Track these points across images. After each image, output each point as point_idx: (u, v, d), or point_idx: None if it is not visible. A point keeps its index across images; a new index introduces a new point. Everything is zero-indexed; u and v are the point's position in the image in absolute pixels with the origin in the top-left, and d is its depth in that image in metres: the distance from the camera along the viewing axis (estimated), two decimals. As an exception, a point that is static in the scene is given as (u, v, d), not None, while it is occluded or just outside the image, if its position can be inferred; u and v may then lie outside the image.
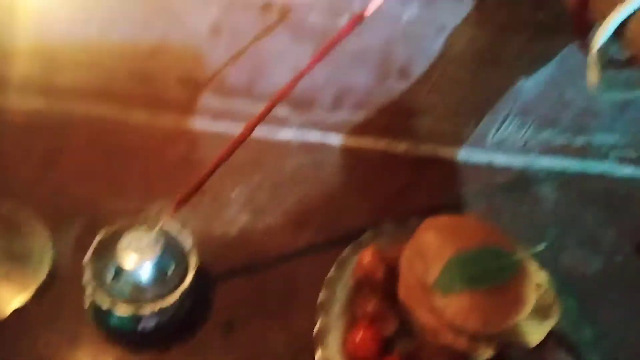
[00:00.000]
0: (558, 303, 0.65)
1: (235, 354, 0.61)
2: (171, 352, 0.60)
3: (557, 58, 0.73)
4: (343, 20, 0.68)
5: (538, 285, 0.66)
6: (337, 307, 0.65)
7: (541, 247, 0.65)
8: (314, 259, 0.69)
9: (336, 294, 0.66)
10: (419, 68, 0.74)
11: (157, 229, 0.58)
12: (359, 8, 0.67)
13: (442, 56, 0.72)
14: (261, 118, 0.56)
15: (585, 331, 0.67)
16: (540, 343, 0.62)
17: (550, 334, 0.63)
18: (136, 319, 0.59)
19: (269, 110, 0.55)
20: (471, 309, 0.61)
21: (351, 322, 0.64)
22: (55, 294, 0.61)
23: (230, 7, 0.67)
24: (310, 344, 0.62)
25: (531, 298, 0.63)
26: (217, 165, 0.57)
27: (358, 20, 0.50)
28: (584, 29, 0.55)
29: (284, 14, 0.68)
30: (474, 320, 0.61)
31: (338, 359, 0.62)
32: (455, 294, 0.61)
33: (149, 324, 0.60)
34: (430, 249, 0.64)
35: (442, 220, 0.69)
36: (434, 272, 0.63)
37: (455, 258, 0.63)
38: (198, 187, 0.57)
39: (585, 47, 0.54)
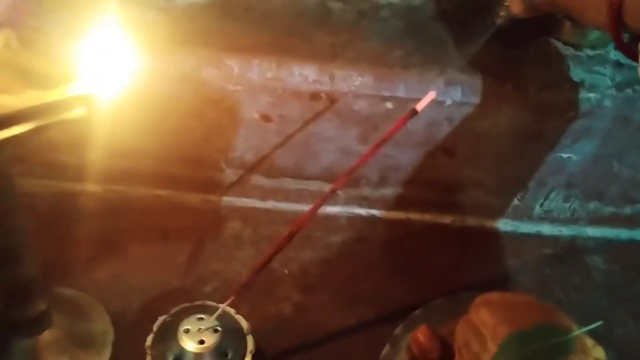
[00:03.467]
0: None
1: None
2: None
3: (601, 134, 0.74)
4: (388, 106, 0.71)
5: (595, 362, 0.65)
6: (393, 387, 0.65)
7: (598, 324, 0.64)
8: (366, 336, 0.70)
9: (391, 373, 0.66)
10: (463, 147, 0.76)
11: (216, 314, 0.59)
12: (404, 94, 0.71)
13: (486, 135, 0.74)
14: (318, 206, 0.58)
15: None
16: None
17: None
18: (196, 402, 0.60)
19: (326, 199, 0.57)
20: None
21: (407, 404, 0.64)
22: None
23: (282, 96, 0.71)
24: None
25: (589, 378, 0.63)
26: (276, 251, 0.58)
27: (411, 115, 0.52)
28: (626, 46, 0.55)
29: (332, 101, 0.71)
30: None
31: None
32: (512, 373, 0.61)
33: (208, 407, 0.61)
34: (486, 328, 0.65)
35: (496, 297, 0.69)
36: (490, 351, 0.63)
37: (511, 337, 0.63)
38: (256, 274, 0.59)
39: (633, 56, 0.54)
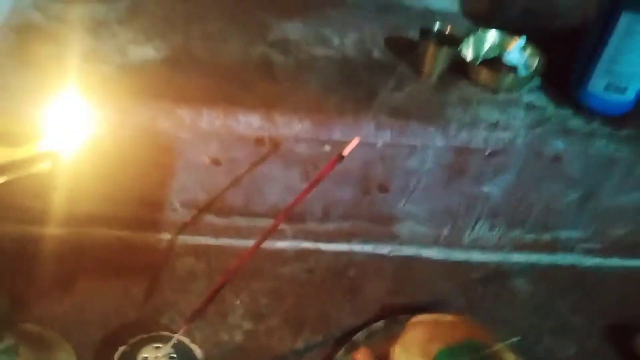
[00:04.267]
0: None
1: None
2: None
3: (517, 168, 0.83)
4: (326, 148, 0.79)
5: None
6: (335, 404, 0.72)
7: (515, 339, 0.72)
8: (313, 358, 0.76)
9: (333, 392, 0.73)
10: (396, 182, 0.84)
11: (171, 343, 0.65)
12: (339, 136, 0.79)
13: (415, 172, 0.83)
14: (262, 240, 0.64)
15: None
16: None
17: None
18: None
19: (267, 234, 0.64)
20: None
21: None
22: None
23: (229, 141, 0.78)
24: None
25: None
26: (225, 281, 0.65)
27: (338, 159, 0.60)
28: None
29: (275, 145, 0.79)
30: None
31: None
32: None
33: None
34: (418, 345, 0.72)
35: (427, 317, 0.77)
36: (421, 366, 0.70)
37: (442, 351, 0.71)
38: (207, 304, 0.65)
39: None
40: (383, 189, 0.85)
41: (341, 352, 0.76)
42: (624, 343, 0.83)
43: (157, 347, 0.65)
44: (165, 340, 0.67)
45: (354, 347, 0.76)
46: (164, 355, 0.65)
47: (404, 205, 0.87)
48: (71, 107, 0.57)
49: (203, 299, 0.66)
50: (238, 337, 0.78)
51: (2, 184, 0.52)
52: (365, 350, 0.74)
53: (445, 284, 0.88)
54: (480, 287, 0.88)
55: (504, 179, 0.85)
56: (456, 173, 0.84)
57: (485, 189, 0.86)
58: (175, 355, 0.65)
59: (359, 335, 0.78)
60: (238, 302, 0.81)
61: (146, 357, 0.65)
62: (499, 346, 0.72)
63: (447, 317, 0.77)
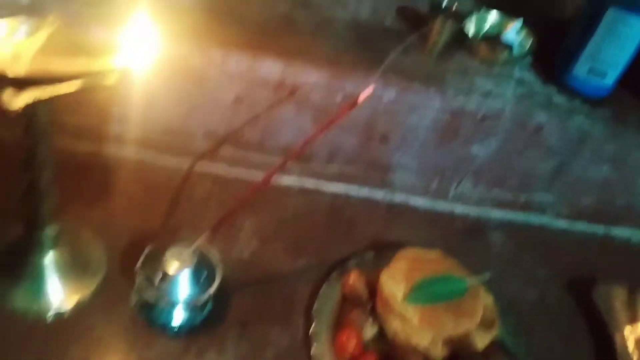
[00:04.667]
0: (499, 319, 0.84)
1: (248, 345, 0.78)
2: (198, 341, 0.77)
3: (503, 134, 0.94)
4: (337, 98, 0.89)
5: (485, 305, 0.84)
6: (328, 315, 0.83)
7: (486, 276, 0.84)
8: (309, 278, 0.87)
9: (327, 305, 0.84)
10: (395, 135, 0.95)
11: (194, 246, 0.75)
12: (351, 89, 0.89)
13: (414, 127, 0.93)
14: (276, 171, 0.75)
15: (521, 342, 0.85)
16: (486, 348, 0.80)
17: (493, 342, 0.81)
18: (172, 314, 0.76)
19: (281, 166, 0.74)
20: (433, 318, 0.80)
21: (339, 327, 0.81)
22: (109, 293, 0.78)
23: (253, 84, 0.88)
24: (307, 341, 0.79)
25: (478, 313, 0.82)
26: (247, 197, 0.75)
27: (352, 106, 0.69)
28: None
29: (292, 91, 0.89)
30: (435, 326, 0.79)
31: (328, 354, 0.79)
32: (421, 307, 0.80)
33: (181, 320, 0.77)
34: (403, 274, 0.83)
35: (412, 252, 0.88)
36: (404, 290, 0.81)
37: (422, 280, 0.83)
38: (231, 215, 0.75)
39: None
40: (384, 139, 0.95)
41: (335, 273, 0.87)
42: (582, 295, 0.95)
43: (179, 249, 0.76)
44: (186, 244, 0.76)
45: (347, 270, 0.87)
46: (187, 255, 0.75)
47: (400, 157, 0.97)
48: (143, 28, 0.65)
49: (226, 212, 0.76)
50: (246, 253, 0.88)
51: (74, 95, 0.61)
52: (357, 272, 0.85)
53: (430, 230, 0.99)
54: (460, 236, 1.00)
55: (490, 143, 0.96)
56: (449, 133, 0.95)
57: (474, 150, 0.97)
58: (196, 257, 0.75)
59: (352, 261, 0.89)
60: (246, 226, 0.92)
61: (171, 255, 0.75)
62: (472, 280, 0.84)
63: (430, 254, 0.88)
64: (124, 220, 0.87)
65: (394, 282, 0.83)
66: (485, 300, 0.85)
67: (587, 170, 1.00)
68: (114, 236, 0.84)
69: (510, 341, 0.84)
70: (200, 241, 0.76)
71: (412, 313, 0.80)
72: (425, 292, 0.82)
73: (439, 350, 0.79)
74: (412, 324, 0.79)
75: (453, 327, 0.80)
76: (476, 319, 0.82)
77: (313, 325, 0.81)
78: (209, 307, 0.80)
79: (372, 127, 0.94)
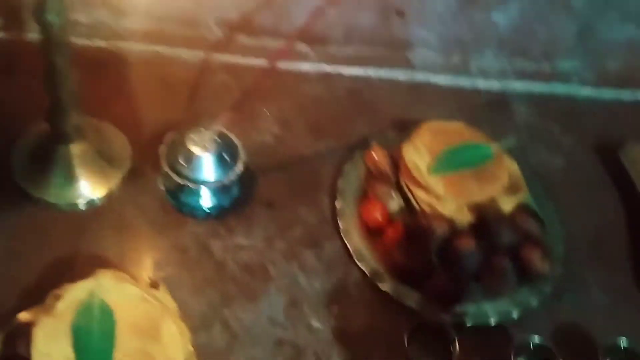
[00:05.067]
0: (525, 185, 0.83)
1: (276, 222, 0.80)
2: (227, 223, 0.79)
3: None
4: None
5: (510, 171, 0.84)
6: (352, 192, 0.83)
7: (511, 141, 0.83)
8: (333, 159, 0.87)
9: (351, 182, 0.84)
10: (412, 8, 0.92)
11: (217, 126, 0.76)
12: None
13: (431, -2, 0.90)
14: (291, 43, 0.73)
15: (548, 205, 0.85)
16: (512, 212, 0.80)
17: (519, 206, 0.81)
18: (200, 197, 0.78)
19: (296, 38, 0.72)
20: (458, 187, 0.80)
21: (364, 202, 0.82)
22: (137, 182, 0.80)
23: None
24: (334, 217, 0.81)
25: (504, 179, 0.82)
26: (265, 78, 0.74)
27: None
28: None
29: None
30: (460, 194, 0.79)
31: (355, 227, 0.80)
32: (445, 177, 0.80)
33: (209, 202, 0.78)
34: (425, 145, 0.83)
35: (435, 124, 0.87)
36: (428, 161, 0.81)
37: (445, 150, 0.82)
38: (249, 96, 0.75)
39: None
40: (400, 13, 0.92)
41: (358, 151, 0.87)
42: (610, 159, 0.93)
43: (202, 131, 0.76)
44: (207, 129, 0.76)
45: (369, 148, 0.86)
46: (209, 138, 0.75)
47: (418, 31, 0.95)
48: None
49: (244, 93, 0.76)
50: (268, 138, 0.89)
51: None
52: (379, 148, 0.85)
53: (452, 106, 0.97)
54: (483, 110, 0.98)
55: (511, 7, 0.92)
56: (468, 0, 0.91)
57: (494, 17, 0.93)
58: (218, 139, 0.76)
59: (374, 140, 0.89)
60: (267, 113, 0.91)
61: (194, 138, 0.75)
62: (496, 146, 0.83)
63: (453, 125, 0.87)
64: (144, 113, 0.87)
65: (417, 154, 0.82)
66: (510, 166, 0.85)
67: (613, 32, 0.96)
68: (136, 129, 0.84)
69: (537, 205, 0.84)
70: (220, 122, 0.76)
71: (437, 182, 0.80)
72: (448, 161, 0.81)
73: (465, 217, 0.80)
74: (436, 193, 0.79)
75: (478, 194, 0.80)
76: (501, 184, 0.81)
77: (338, 202, 0.82)
78: (235, 189, 0.81)
79: (386, 1, 0.91)
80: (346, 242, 0.78)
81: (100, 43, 0.93)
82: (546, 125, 0.98)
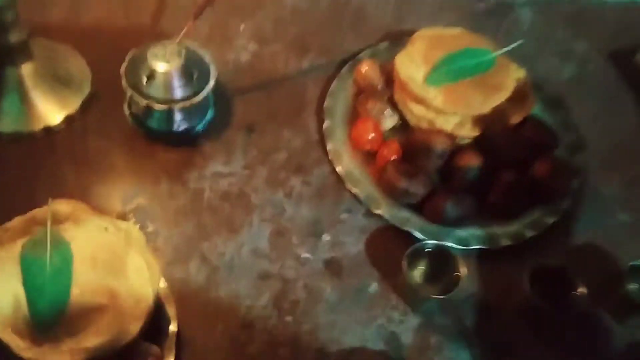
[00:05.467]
0: (533, 93, 0.75)
1: (258, 147, 0.71)
2: (202, 148, 0.70)
3: None
4: None
5: (516, 79, 0.75)
6: (341, 110, 0.75)
7: (518, 43, 0.74)
8: (318, 76, 0.78)
9: (339, 100, 0.75)
10: None
11: (179, 39, 0.66)
12: None
13: None
14: None
15: (560, 116, 0.76)
16: (520, 123, 0.72)
17: (528, 117, 0.73)
18: (170, 120, 0.69)
19: None
20: (458, 97, 0.71)
21: (354, 121, 0.73)
22: (99, 106, 0.71)
23: None
24: (320, 140, 0.72)
25: (509, 87, 0.73)
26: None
27: None
28: None
29: None
30: (461, 106, 0.71)
31: (345, 148, 0.72)
32: (444, 88, 0.71)
33: (181, 126, 0.70)
34: (421, 54, 0.74)
35: (430, 31, 0.78)
36: (424, 72, 0.72)
37: (443, 58, 0.73)
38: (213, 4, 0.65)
39: None
40: None
41: (347, 65, 0.78)
42: (625, 64, 0.84)
43: (164, 45, 0.67)
44: (171, 42, 0.67)
45: (358, 62, 0.77)
46: (173, 51, 0.66)
47: None
48: None
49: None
50: (244, 56, 0.79)
51: None
52: (369, 61, 0.76)
53: (450, 13, 0.88)
54: (484, 17, 0.88)
55: None
56: None
57: None
58: (183, 53, 0.66)
59: (364, 54, 0.80)
60: (242, 27, 0.82)
61: (155, 53, 0.66)
62: (498, 52, 0.74)
63: (451, 31, 0.78)
64: (106, 32, 0.77)
65: (412, 64, 0.73)
66: (516, 74, 0.75)
67: None
68: (97, 49, 0.75)
69: (548, 116, 0.76)
70: (183, 33, 0.66)
71: (435, 95, 0.71)
72: (447, 69, 0.72)
73: (468, 132, 0.71)
74: (435, 106, 0.71)
75: (481, 105, 0.71)
76: (506, 93, 0.72)
77: (326, 122, 0.73)
78: (210, 112, 0.72)
79: None
80: (335, 165, 0.70)
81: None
82: (554, 31, 0.88)
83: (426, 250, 0.62)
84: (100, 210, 0.61)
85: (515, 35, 0.86)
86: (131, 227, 0.58)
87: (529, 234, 0.67)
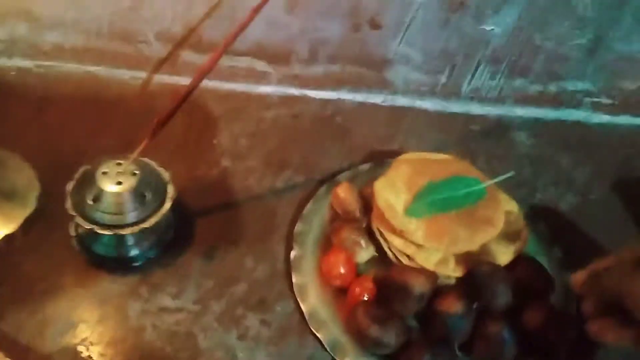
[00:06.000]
0: (527, 229, 0.67)
1: (215, 278, 0.64)
2: (153, 276, 0.63)
3: (521, 2, 0.76)
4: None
5: (508, 212, 0.68)
6: (313, 238, 0.67)
7: (509, 175, 0.67)
8: (292, 197, 0.72)
9: (312, 226, 0.68)
10: (389, 17, 0.77)
11: (133, 156, 0.60)
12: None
13: (411, 4, 0.75)
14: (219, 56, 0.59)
15: (554, 251, 0.69)
16: (511, 263, 0.64)
17: (520, 257, 0.65)
18: (120, 245, 0.62)
19: (221, 54, 0.59)
20: (442, 232, 0.64)
21: (326, 251, 0.66)
22: (43, 225, 0.64)
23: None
24: (287, 271, 0.64)
25: (499, 222, 0.66)
26: (189, 92, 0.60)
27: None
28: None
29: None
30: (444, 241, 0.63)
31: (313, 283, 0.64)
32: (426, 219, 0.64)
33: (132, 252, 0.63)
34: (403, 181, 0.67)
35: (415, 155, 0.72)
36: (405, 201, 0.65)
37: (426, 186, 0.66)
38: (170, 115, 0.60)
39: None
40: (375, 24, 0.78)
41: (323, 188, 0.71)
42: (631, 194, 0.77)
43: (118, 164, 0.61)
44: (125, 159, 0.61)
45: (337, 184, 0.71)
46: (125, 171, 0.60)
47: (398, 46, 0.80)
48: None
49: (165, 114, 0.61)
50: (214, 173, 0.73)
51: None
52: (347, 185, 0.69)
53: (441, 134, 0.82)
54: (478, 140, 0.82)
55: (507, 15, 0.77)
56: (456, 7, 0.76)
57: (487, 27, 0.78)
58: (137, 172, 0.60)
59: (343, 175, 0.73)
60: (216, 142, 0.76)
61: (106, 172, 0.60)
62: (487, 183, 0.67)
63: (437, 156, 0.72)
64: (64, 144, 0.72)
65: (392, 191, 0.66)
66: (507, 206, 0.69)
67: (628, 45, 0.81)
68: (50, 163, 0.69)
69: (543, 255, 0.68)
70: (138, 151, 0.61)
71: (416, 227, 0.64)
72: (431, 199, 0.65)
73: (452, 271, 0.63)
74: (415, 240, 0.63)
75: (467, 241, 0.64)
76: (496, 229, 0.65)
77: (294, 250, 0.66)
78: (167, 236, 0.65)
79: (357, 8, 0.76)
80: (300, 302, 0.62)
81: (18, 62, 0.79)
82: (553, 157, 0.82)
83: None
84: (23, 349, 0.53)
85: (512, 161, 0.81)
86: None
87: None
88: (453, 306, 0.60)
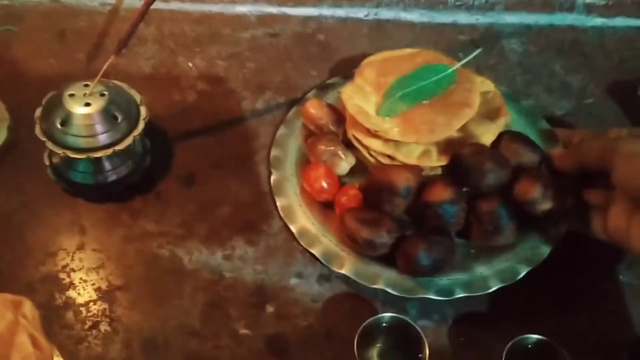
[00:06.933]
0: (506, 106, 0.64)
1: (197, 202, 0.62)
2: (133, 202, 0.61)
3: None
4: None
5: (485, 93, 0.65)
6: (291, 160, 0.64)
7: (477, 52, 0.64)
8: (274, 119, 0.69)
9: (288, 149, 0.65)
10: None
11: (99, 76, 0.57)
12: None
13: None
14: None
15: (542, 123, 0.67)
16: (495, 141, 0.61)
17: (504, 133, 0.62)
18: (97, 171, 0.60)
19: None
20: (418, 124, 0.60)
21: (306, 168, 0.63)
22: (16, 156, 0.62)
23: None
24: (272, 193, 0.62)
25: (475, 102, 0.62)
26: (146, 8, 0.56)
27: None
28: None
29: None
30: (422, 133, 0.60)
31: (298, 203, 0.61)
32: (400, 116, 0.61)
33: (109, 178, 0.61)
34: (371, 83, 0.64)
35: (381, 54, 0.68)
36: (376, 102, 0.62)
37: (394, 82, 0.63)
38: (134, 28, 0.57)
39: None
40: None
41: (293, 110, 0.68)
42: (626, 97, 0.74)
43: (85, 85, 0.58)
44: (91, 80, 0.58)
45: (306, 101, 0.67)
46: (92, 92, 0.57)
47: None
48: None
49: (128, 29, 0.57)
50: (191, 97, 0.70)
51: None
52: (315, 100, 0.65)
53: (429, 47, 0.77)
54: (468, 50, 0.78)
55: None
56: None
57: None
58: (106, 93, 0.57)
59: (312, 92, 0.70)
60: (191, 66, 0.73)
61: (73, 94, 0.57)
62: (457, 65, 0.63)
63: (402, 52, 0.68)
64: (33, 75, 0.69)
65: (361, 96, 0.63)
66: (483, 87, 0.65)
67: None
68: (20, 94, 0.66)
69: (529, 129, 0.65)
70: (103, 70, 0.57)
71: (391, 125, 0.60)
72: (401, 94, 0.61)
73: (435, 161, 0.61)
74: (393, 137, 0.60)
75: (445, 126, 0.60)
76: (472, 110, 0.61)
77: (273, 175, 0.63)
78: (144, 161, 0.63)
79: None
80: (288, 223, 0.60)
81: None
82: (547, 63, 0.78)
83: (383, 325, 0.52)
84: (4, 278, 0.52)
85: (504, 68, 0.77)
86: (25, 303, 0.48)
87: (523, 269, 0.56)
88: (442, 194, 0.57)
